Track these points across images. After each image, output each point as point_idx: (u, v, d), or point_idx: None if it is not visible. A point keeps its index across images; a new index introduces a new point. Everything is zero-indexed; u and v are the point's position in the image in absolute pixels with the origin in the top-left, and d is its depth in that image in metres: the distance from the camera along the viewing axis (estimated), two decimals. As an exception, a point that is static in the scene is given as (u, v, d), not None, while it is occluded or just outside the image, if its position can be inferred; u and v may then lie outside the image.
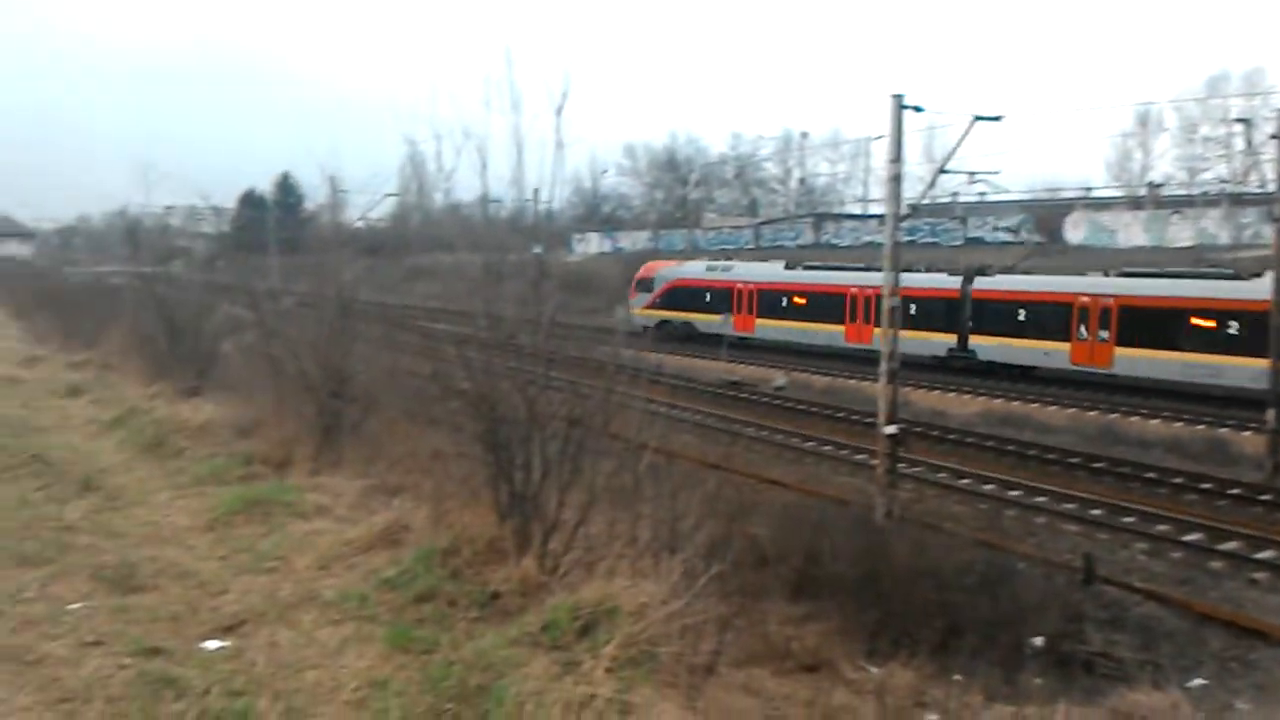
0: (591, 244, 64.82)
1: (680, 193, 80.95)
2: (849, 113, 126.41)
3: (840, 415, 23.50)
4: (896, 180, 14.49)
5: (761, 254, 52.66)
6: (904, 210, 15.44)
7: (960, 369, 29.63)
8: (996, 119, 15.66)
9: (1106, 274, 28.33)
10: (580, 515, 7.49)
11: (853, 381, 27.89)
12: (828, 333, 33.46)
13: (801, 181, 77.51)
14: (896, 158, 14.27)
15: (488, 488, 7.92)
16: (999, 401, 25.17)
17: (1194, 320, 24.61)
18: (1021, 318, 28.60)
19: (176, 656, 6.40)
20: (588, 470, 7.85)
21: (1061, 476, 17.91)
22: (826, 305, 33.30)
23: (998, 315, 29.19)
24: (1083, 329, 27.03)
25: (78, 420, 15.11)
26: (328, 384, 11.97)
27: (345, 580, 7.74)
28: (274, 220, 58.76)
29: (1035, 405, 24.54)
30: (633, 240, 64.43)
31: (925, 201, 39.58)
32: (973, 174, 21.13)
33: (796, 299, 34.51)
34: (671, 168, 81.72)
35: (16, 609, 7.09)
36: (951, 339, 30.22)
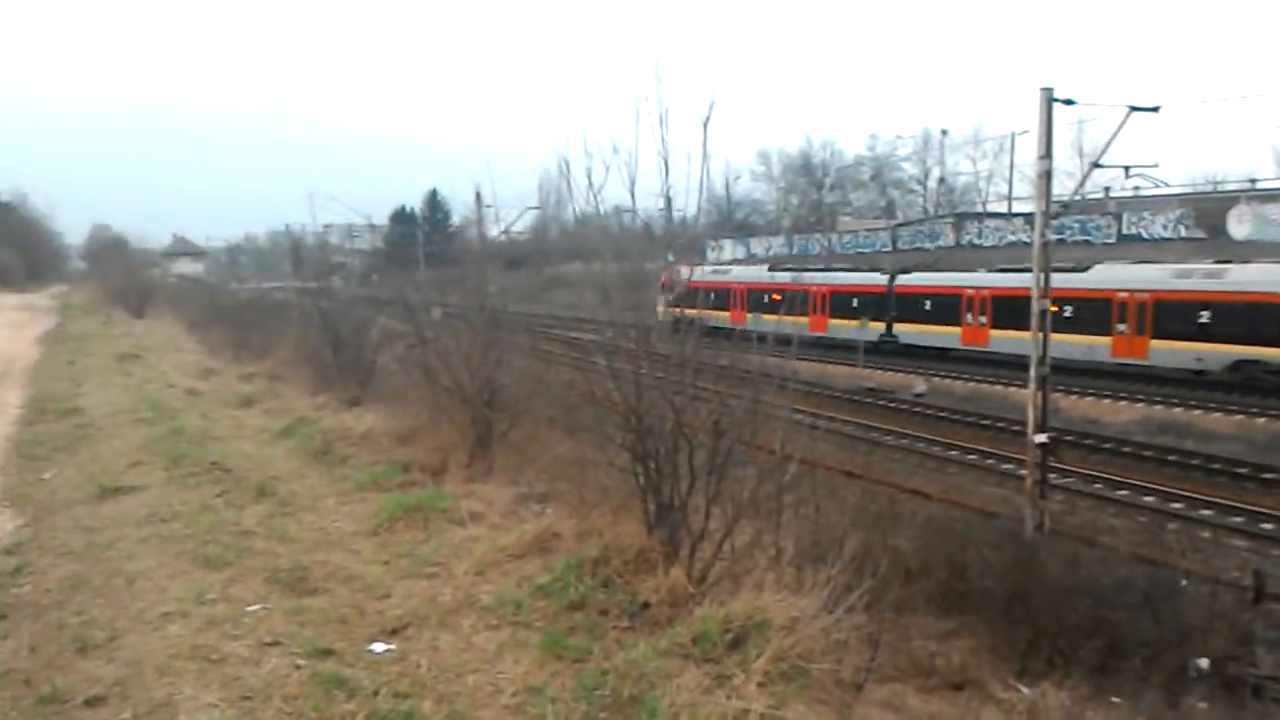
0: (725, 251, 64.77)
1: (815, 197, 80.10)
2: (991, 108, 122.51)
3: (985, 423, 22.82)
4: (1046, 177, 14.01)
5: (900, 257, 51.64)
6: (1054, 208, 14.91)
7: (889, 351, 34.84)
8: (1153, 110, 14.95)
9: (989, 271, 33.89)
10: (727, 526, 7.56)
11: (998, 387, 27.08)
12: (797, 324, 35.32)
13: (941, 181, 75.50)
14: (1046, 154, 13.81)
15: (636, 498, 8.09)
16: (1159, 408, 24.00)
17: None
18: (929, 308, 34.36)
19: (347, 658, 6.75)
20: (733, 481, 7.93)
21: (1228, 488, 16.97)
22: (797, 301, 37.22)
23: (913, 307, 35.03)
24: (969, 315, 32.73)
25: (251, 429, 16.04)
26: (480, 394, 12.39)
27: (501, 586, 8.02)
28: (423, 235, 61.14)
29: (1198, 412, 23.27)
30: (767, 246, 64.06)
31: (1075, 198, 38.23)
32: (1128, 168, 20.19)
33: (774, 296, 38.26)
34: (806, 171, 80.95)
35: (201, 609, 7.60)
36: (881, 327, 35.89)
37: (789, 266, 44.69)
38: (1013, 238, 48.78)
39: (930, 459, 19.80)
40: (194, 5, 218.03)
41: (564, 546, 8.62)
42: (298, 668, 6.50)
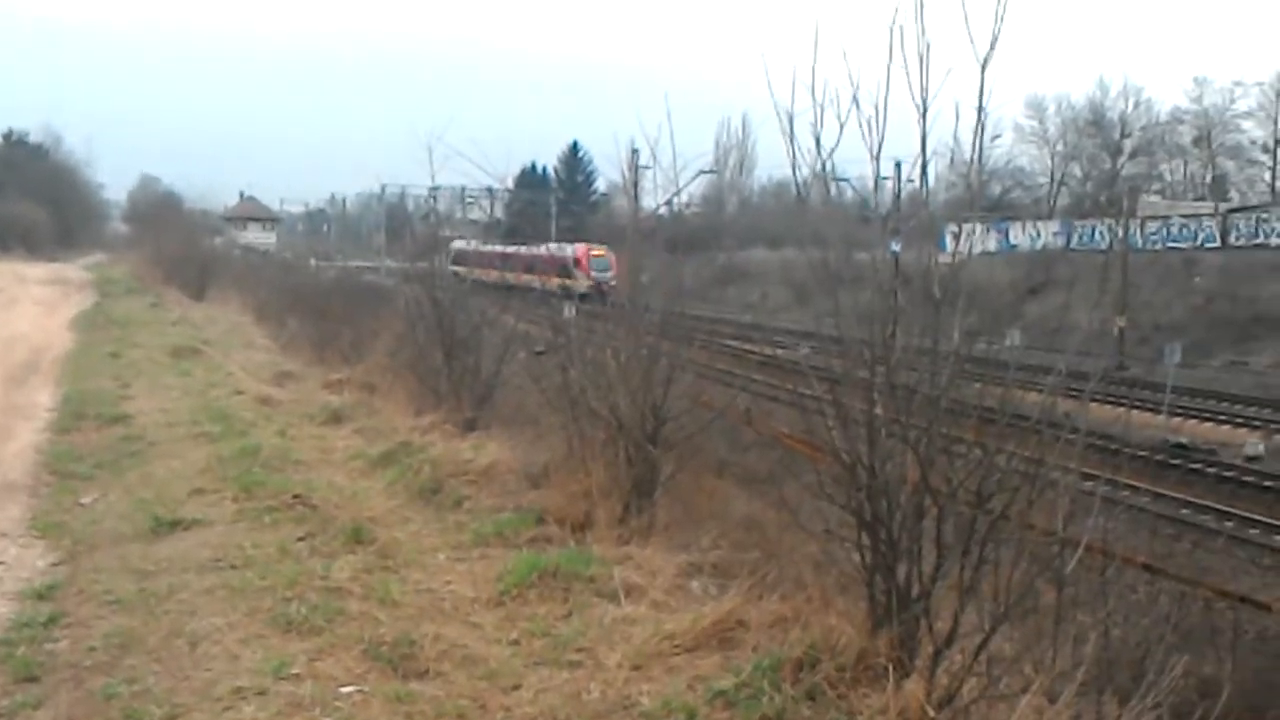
0: (973, 238, 63.12)
1: (1107, 166, 77.68)
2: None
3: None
4: None
5: (1235, 256, 49.63)
6: None
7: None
8: None
9: None
10: (986, 629, 7.46)
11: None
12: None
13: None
14: None
15: (857, 580, 8.09)
16: None
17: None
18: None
19: (466, 766, 7.00)
20: (994, 566, 7.82)
21: None
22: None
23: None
24: None
25: (340, 454, 16.78)
26: (641, 424, 12.58)
27: (667, 687, 8.12)
28: (557, 202, 62.46)
29: None
30: (1033, 233, 62.57)
31: None
32: None
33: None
34: (1096, 129, 78.69)
35: (282, 687, 7.96)
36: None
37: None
38: None
39: (1271, 552, 18.99)
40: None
41: (753, 640, 8.67)
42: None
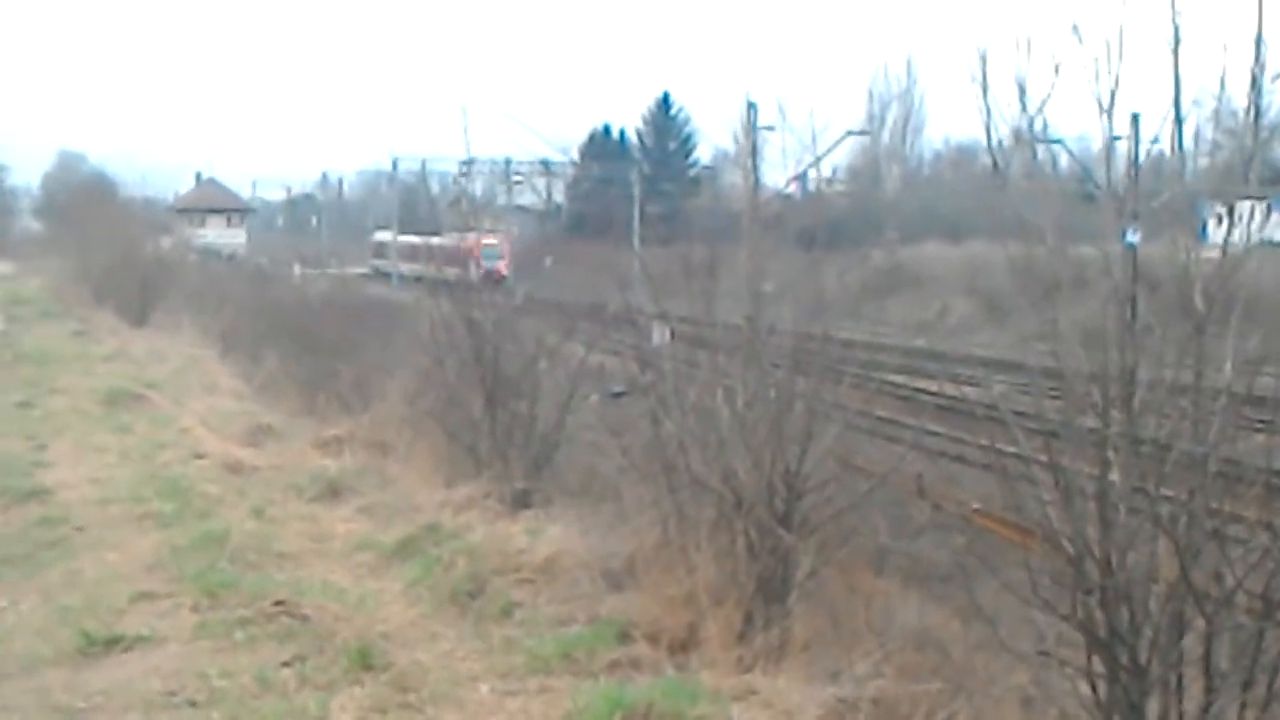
0: (1248, 222, 62.36)
1: None
2: None
3: None
4: None
5: None
6: None
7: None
8: None
9: None
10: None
11: None
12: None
13: None
14: None
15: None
16: None
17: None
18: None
19: None
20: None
21: None
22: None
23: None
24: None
25: (340, 544, 16.68)
26: (768, 498, 12.47)
27: None
28: (642, 178, 62.23)
29: None
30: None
31: None
32: None
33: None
34: None
35: None
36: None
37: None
38: None
39: None
40: None
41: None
42: None
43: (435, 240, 69.50)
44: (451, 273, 41.40)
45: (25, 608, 13.99)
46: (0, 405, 29.40)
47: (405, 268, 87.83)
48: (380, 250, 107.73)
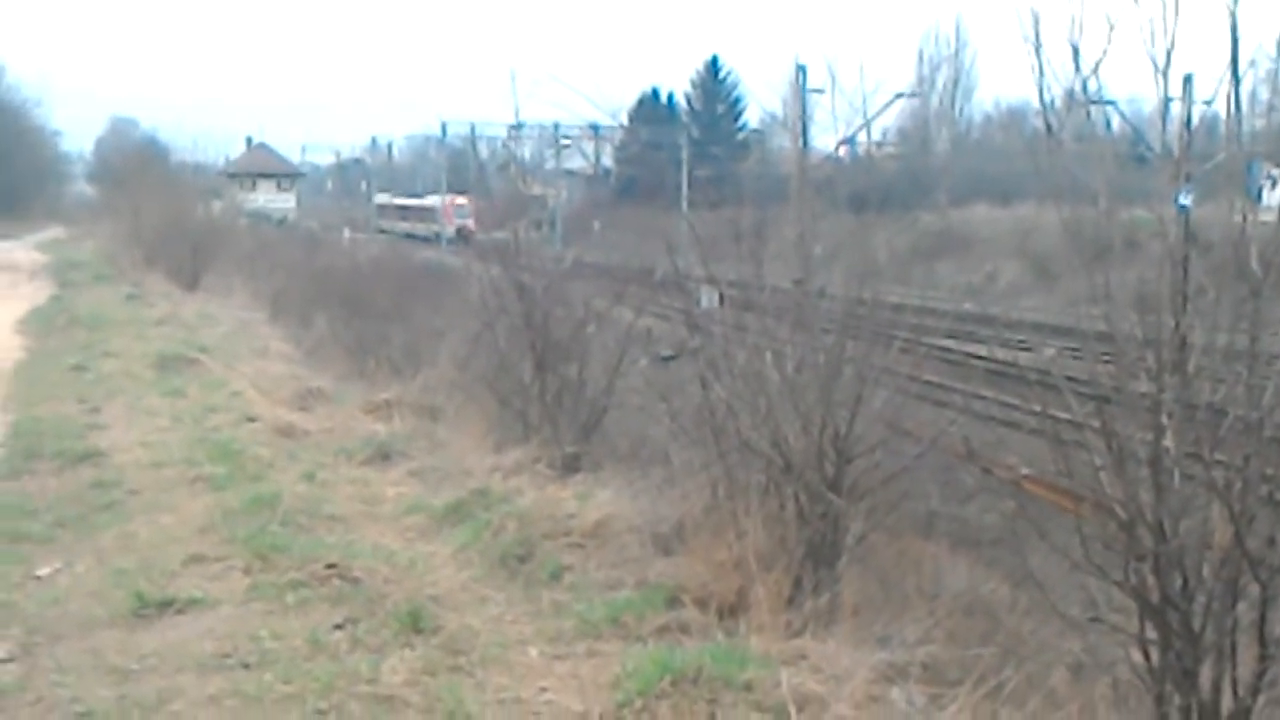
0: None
1: None
2: None
3: None
4: None
5: None
6: None
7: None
8: None
9: None
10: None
11: None
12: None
13: None
14: None
15: (1140, 690, 7.90)
16: None
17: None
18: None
19: None
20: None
21: None
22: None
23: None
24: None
25: (390, 507, 16.73)
26: (818, 463, 12.42)
27: None
28: (691, 143, 62.15)
29: None
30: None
31: None
32: None
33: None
34: None
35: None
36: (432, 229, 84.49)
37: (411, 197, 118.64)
38: None
39: None
40: None
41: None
42: None
43: (416, 202, 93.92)
44: (432, 229, 59.41)
45: (80, 569, 14.03)
46: (54, 369, 29.55)
47: (401, 226, 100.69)
48: (382, 212, 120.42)
